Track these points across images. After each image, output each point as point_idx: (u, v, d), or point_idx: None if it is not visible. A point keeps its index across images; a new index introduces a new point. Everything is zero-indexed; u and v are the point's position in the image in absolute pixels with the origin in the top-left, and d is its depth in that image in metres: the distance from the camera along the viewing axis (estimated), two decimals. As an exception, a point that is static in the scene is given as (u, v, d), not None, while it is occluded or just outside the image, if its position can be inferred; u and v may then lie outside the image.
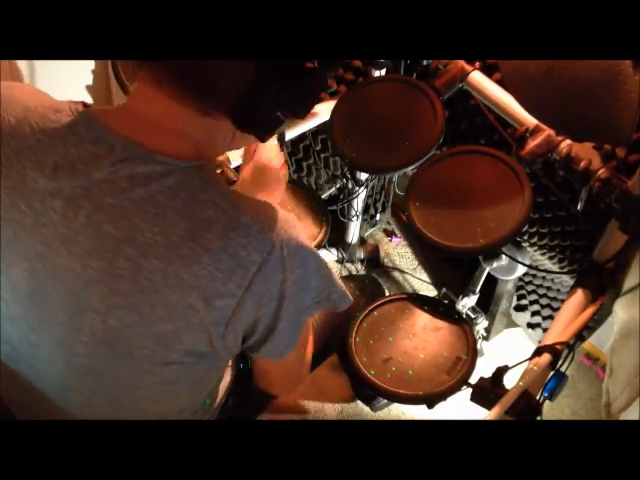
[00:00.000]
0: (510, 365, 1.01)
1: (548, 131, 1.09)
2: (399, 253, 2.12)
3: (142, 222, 0.62)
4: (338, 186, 1.89)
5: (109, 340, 0.66)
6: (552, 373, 1.04)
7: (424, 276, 2.04)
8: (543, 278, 1.69)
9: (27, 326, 0.69)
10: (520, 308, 1.84)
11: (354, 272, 1.99)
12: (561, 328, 1.11)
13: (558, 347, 1.04)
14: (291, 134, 1.43)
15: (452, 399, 1.04)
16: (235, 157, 1.35)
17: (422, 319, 1.16)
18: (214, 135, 0.69)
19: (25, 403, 0.77)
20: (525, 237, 1.51)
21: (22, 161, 0.64)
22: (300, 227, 0.70)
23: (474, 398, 1.01)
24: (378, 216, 2.10)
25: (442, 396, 1.03)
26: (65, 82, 1.30)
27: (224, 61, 0.61)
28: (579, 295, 1.17)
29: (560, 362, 1.04)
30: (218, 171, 1.27)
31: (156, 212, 0.62)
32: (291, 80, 0.64)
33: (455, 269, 2.00)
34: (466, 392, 1.03)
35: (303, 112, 0.69)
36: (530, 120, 1.12)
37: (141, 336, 0.65)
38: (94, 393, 0.72)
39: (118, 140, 0.64)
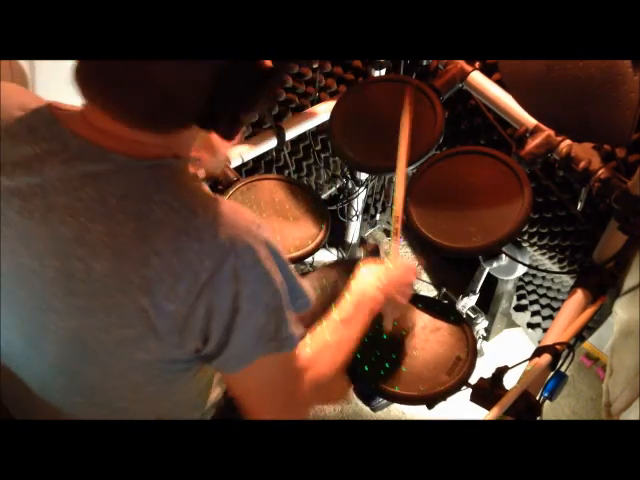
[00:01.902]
0: (510, 365, 1.01)
1: (548, 131, 1.09)
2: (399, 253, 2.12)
3: (90, 222, 0.61)
4: (338, 186, 1.89)
5: (73, 341, 0.66)
6: (552, 373, 1.04)
7: (424, 276, 2.04)
8: (543, 278, 1.69)
9: (2, 325, 0.69)
10: (520, 308, 1.84)
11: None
12: (561, 328, 1.11)
13: (558, 347, 1.04)
14: (291, 134, 1.43)
15: (452, 399, 1.04)
16: (235, 157, 1.35)
17: (422, 319, 1.16)
18: (178, 140, 0.67)
19: (16, 396, 0.78)
20: (525, 237, 1.51)
21: None
22: (266, 238, 0.65)
23: (474, 398, 1.01)
24: (378, 216, 2.10)
25: (442, 396, 1.03)
26: (65, 82, 1.30)
27: (178, 80, 0.59)
28: (579, 295, 1.17)
29: (560, 362, 1.04)
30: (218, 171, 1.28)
31: (104, 212, 0.61)
32: (248, 85, 0.63)
33: (455, 269, 2.00)
34: (466, 392, 1.03)
35: (262, 110, 0.68)
36: (530, 120, 1.12)
37: (101, 341, 0.65)
38: (70, 392, 0.72)
39: (73, 139, 0.63)
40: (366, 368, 1.07)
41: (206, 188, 0.68)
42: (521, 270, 1.51)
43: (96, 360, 0.67)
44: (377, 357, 1.10)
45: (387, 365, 1.08)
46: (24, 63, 1.07)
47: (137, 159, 0.62)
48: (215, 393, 0.90)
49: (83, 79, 0.61)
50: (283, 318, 0.68)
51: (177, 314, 0.62)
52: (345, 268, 1.31)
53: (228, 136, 0.67)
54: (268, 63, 0.62)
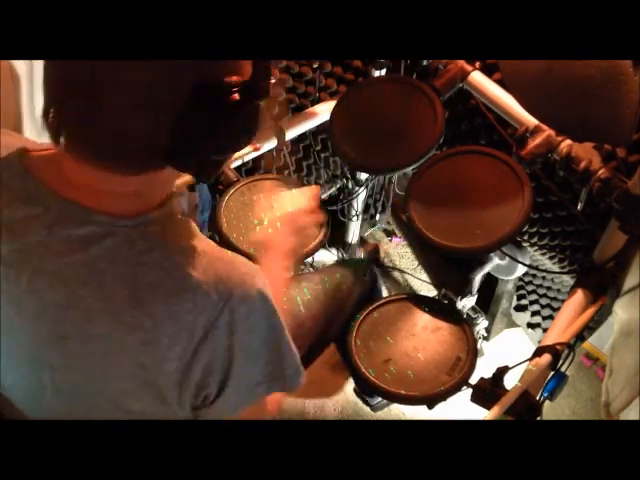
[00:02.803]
0: (510, 365, 1.01)
1: (548, 131, 1.09)
2: (399, 253, 2.12)
3: (82, 289, 0.59)
4: (338, 186, 1.88)
5: (71, 394, 0.66)
6: (552, 373, 1.04)
7: (424, 276, 2.04)
8: (543, 278, 1.69)
9: (4, 374, 0.68)
10: (520, 308, 1.84)
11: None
12: (561, 328, 1.11)
13: (558, 347, 1.04)
14: (291, 134, 1.43)
15: (452, 399, 1.04)
16: (235, 157, 1.35)
17: (422, 319, 1.16)
18: (153, 185, 0.63)
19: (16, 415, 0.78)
20: (525, 237, 1.51)
21: None
22: (258, 285, 0.64)
23: (474, 398, 1.01)
24: (378, 216, 2.10)
25: (442, 396, 1.03)
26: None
27: (139, 119, 0.56)
28: (579, 295, 1.17)
29: (560, 362, 1.04)
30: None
31: (95, 278, 0.59)
32: (213, 121, 0.58)
33: (455, 269, 2.00)
34: (466, 392, 1.03)
35: (240, 147, 0.63)
36: (530, 120, 1.12)
37: (100, 392, 0.65)
38: None
39: (53, 200, 0.60)
40: (372, 373, 1.07)
41: (196, 234, 0.65)
42: (521, 270, 1.51)
43: (93, 410, 0.67)
44: (378, 357, 1.10)
45: (393, 369, 1.07)
46: (24, 63, 1.07)
47: (122, 218, 0.60)
48: None
49: (48, 124, 0.59)
50: (283, 356, 0.69)
51: (175, 372, 0.62)
52: (347, 269, 1.31)
53: (202, 178, 0.66)
54: (235, 97, 0.57)
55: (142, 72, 0.54)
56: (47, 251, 0.60)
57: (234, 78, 0.57)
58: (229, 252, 0.66)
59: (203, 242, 0.64)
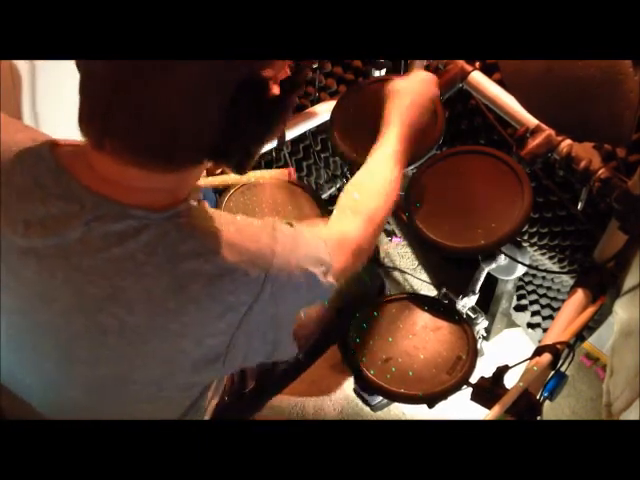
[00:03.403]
0: (510, 365, 1.01)
1: (548, 131, 1.09)
2: (399, 253, 2.12)
3: (123, 281, 0.61)
4: (338, 186, 1.89)
5: (101, 385, 0.67)
6: (552, 373, 1.04)
7: (424, 276, 2.04)
8: (543, 278, 1.69)
9: (20, 371, 0.69)
10: (520, 308, 1.84)
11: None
12: (561, 328, 1.11)
13: (558, 347, 1.04)
14: (291, 134, 1.43)
15: (452, 399, 1.04)
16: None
17: (422, 319, 1.16)
18: (188, 179, 0.67)
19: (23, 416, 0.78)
20: (525, 237, 1.51)
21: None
22: (287, 253, 0.67)
23: (474, 398, 1.01)
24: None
25: (442, 396, 1.03)
26: (65, 82, 1.30)
27: (187, 119, 0.58)
28: (579, 295, 1.17)
29: (560, 362, 1.04)
30: (218, 171, 1.28)
31: (135, 270, 0.60)
32: (257, 115, 0.61)
33: (455, 269, 2.00)
34: (466, 392, 1.03)
35: (276, 137, 0.69)
36: (530, 120, 1.12)
37: (133, 381, 0.66)
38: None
39: (88, 196, 0.61)
40: (372, 372, 1.07)
41: (216, 215, 0.67)
42: (521, 270, 1.51)
43: (123, 397, 0.68)
44: (379, 356, 1.10)
45: (393, 368, 1.08)
46: (24, 63, 1.07)
47: (155, 211, 0.62)
48: (215, 401, 0.91)
49: (89, 123, 0.59)
50: (322, 287, 0.72)
51: (220, 344, 0.64)
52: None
53: (240, 169, 0.67)
54: (276, 90, 0.61)
55: (189, 72, 0.56)
56: (85, 247, 0.61)
57: (273, 73, 0.60)
58: (248, 222, 0.68)
59: (226, 223, 0.66)
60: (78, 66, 0.59)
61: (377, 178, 0.89)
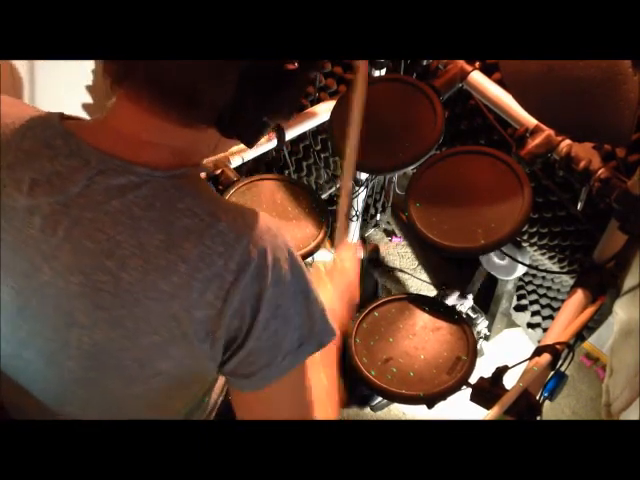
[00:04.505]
0: (510, 365, 1.01)
1: (548, 131, 1.09)
2: (399, 253, 2.12)
3: (118, 234, 0.61)
4: (338, 186, 1.89)
5: (97, 354, 0.66)
6: (552, 373, 1.04)
7: (424, 276, 2.04)
8: (543, 278, 1.69)
9: (17, 343, 0.69)
10: (520, 308, 1.84)
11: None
12: (561, 328, 1.11)
13: (558, 347, 1.04)
14: (291, 134, 1.43)
15: (452, 399, 1.04)
16: (235, 157, 1.35)
17: (422, 319, 1.16)
18: (197, 144, 0.68)
19: (23, 409, 0.78)
20: (525, 237, 1.51)
21: (0, 180, 0.64)
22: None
23: (474, 398, 1.01)
24: (378, 216, 2.10)
25: (442, 396, 1.03)
26: (65, 82, 1.30)
27: (207, 73, 0.59)
28: (579, 295, 1.17)
29: (560, 362, 1.04)
30: (218, 171, 1.28)
31: (132, 223, 0.61)
32: (274, 84, 0.62)
33: (455, 269, 2.00)
34: (466, 392, 1.03)
35: (288, 114, 0.68)
36: (530, 120, 1.12)
37: (127, 349, 0.65)
38: (87, 404, 0.72)
39: (93, 153, 0.63)
40: (372, 372, 1.07)
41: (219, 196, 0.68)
42: (521, 270, 1.51)
43: (118, 371, 0.67)
44: (379, 357, 1.10)
45: (393, 369, 1.08)
46: (23, 63, 1.07)
47: (158, 170, 0.63)
48: (216, 395, 0.91)
49: (115, 61, 0.61)
50: (314, 311, 0.68)
51: (207, 321, 0.62)
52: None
53: (250, 140, 0.68)
54: (294, 66, 0.62)
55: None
56: (86, 200, 0.62)
57: None
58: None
59: (228, 200, 0.67)
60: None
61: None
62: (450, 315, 1.16)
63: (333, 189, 1.93)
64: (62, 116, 0.67)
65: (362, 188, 1.63)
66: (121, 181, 0.62)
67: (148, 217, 0.61)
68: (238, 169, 1.40)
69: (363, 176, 1.61)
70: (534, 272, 1.68)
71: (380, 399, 1.51)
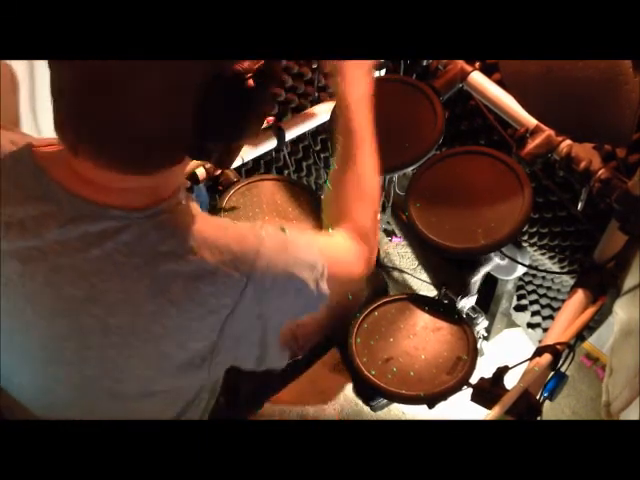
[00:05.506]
0: (510, 365, 1.01)
1: (548, 131, 1.09)
2: (399, 253, 2.12)
3: (102, 282, 0.60)
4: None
5: (88, 385, 0.66)
6: (552, 373, 1.04)
7: (424, 276, 2.03)
8: (543, 278, 1.69)
9: (10, 370, 0.69)
10: (520, 308, 1.84)
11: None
12: (561, 328, 1.11)
13: (558, 347, 1.04)
14: (291, 134, 1.43)
15: (452, 399, 1.04)
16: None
17: (422, 319, 1.16)
18: (170, 178, 0.65)
19: (16, 411, 0.78)
20: (525, 237, 1.51)
21: None
22: (273, 242, 0.65)
23: (474, 398, 1.01)
24: (378, 216, 2.09)
25: (442, 396, 1.03)
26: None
27: (159, 119, 0.57)
28: (579, 295, 1.17)
29: (560, 362, 1.04)
30: (218, 172, 1.27)
31: (115, 271, 0.60)
32: (233, 106, 0.59)
33: (455, 269, 2.00)
34: (466, 392, 1.03)
35: (255, 131, 0.66)
36: (530, 120, 1.12)
37: (119, 381, 0.65)
38: (80, 417, 0.72)
39: (65, 197, 0.61)
40: (373, 372, 1.07)
41: (201, 215, 0.66)
42: (521, 270, 1.51)
43: (110, 396, 0.68)
44: (379, 357, 1.10)
45: (394, 368, 1.08)
46: (23, 63, 1.07)
47: (134, 211, 0.61)
48: (212, 401, 0.90)
49: (63, 129, 0.59)
50: (312, 295, 0.68)
51: (203, 349, 0.63)
52: None
53: (223, 164, 0.67)
54: (250, 83, 0.59)
55: (156, 72, 0.55)
56: (63, 248, 0.60)
57: (247, 65, 0.58)
58: (234, 224, 0.67)
59: (210, 223, 0.65)
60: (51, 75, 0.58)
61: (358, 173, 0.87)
62: (450, 315, 1.16)
63: (333, 189, 1.92)
64: (32, 147, 0.64)
65: (362, 188, 1.62)
66: (98, 227, 0.60)
67: (131, 263, 0.60)
68: (238, 169, 1.40)
69: (363, 176, 1.60)
70: (534, 272, 1.67)
71: (380, 399, 1.50)
